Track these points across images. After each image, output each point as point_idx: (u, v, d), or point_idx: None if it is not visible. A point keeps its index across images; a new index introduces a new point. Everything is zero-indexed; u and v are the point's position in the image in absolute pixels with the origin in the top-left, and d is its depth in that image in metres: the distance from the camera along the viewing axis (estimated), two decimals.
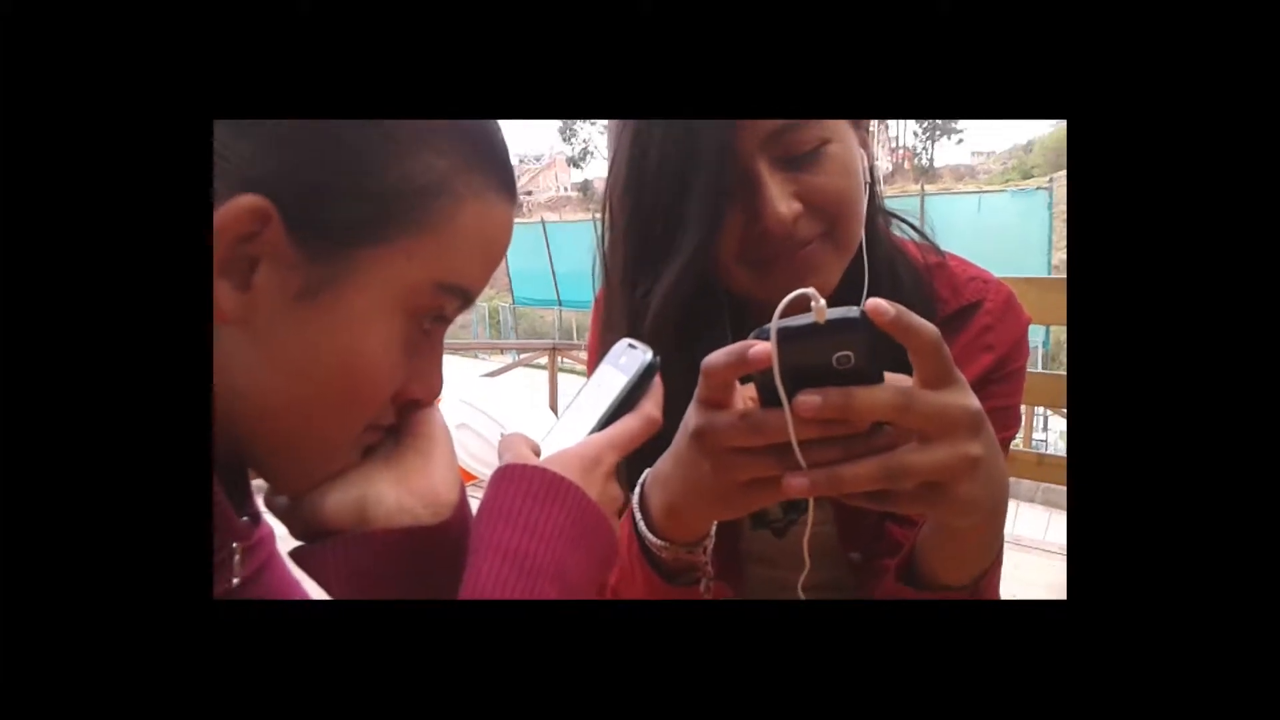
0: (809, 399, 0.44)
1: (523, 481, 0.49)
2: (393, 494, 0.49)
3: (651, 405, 0.55)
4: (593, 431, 0.54)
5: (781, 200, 0.64)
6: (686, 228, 0.65)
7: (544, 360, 6.13)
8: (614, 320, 0.74)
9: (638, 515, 0.60)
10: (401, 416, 0.52)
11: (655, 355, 0.56)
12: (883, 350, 0.44)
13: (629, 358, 0.56)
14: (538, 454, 0.54)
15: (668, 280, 0.67)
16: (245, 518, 0.51)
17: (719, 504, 0.53)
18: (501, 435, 0.55)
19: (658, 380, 0.56)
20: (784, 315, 0.44)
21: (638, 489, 0.61)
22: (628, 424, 0.54)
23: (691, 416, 0.51)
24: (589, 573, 0.49)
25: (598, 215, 0.76)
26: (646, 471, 0.60)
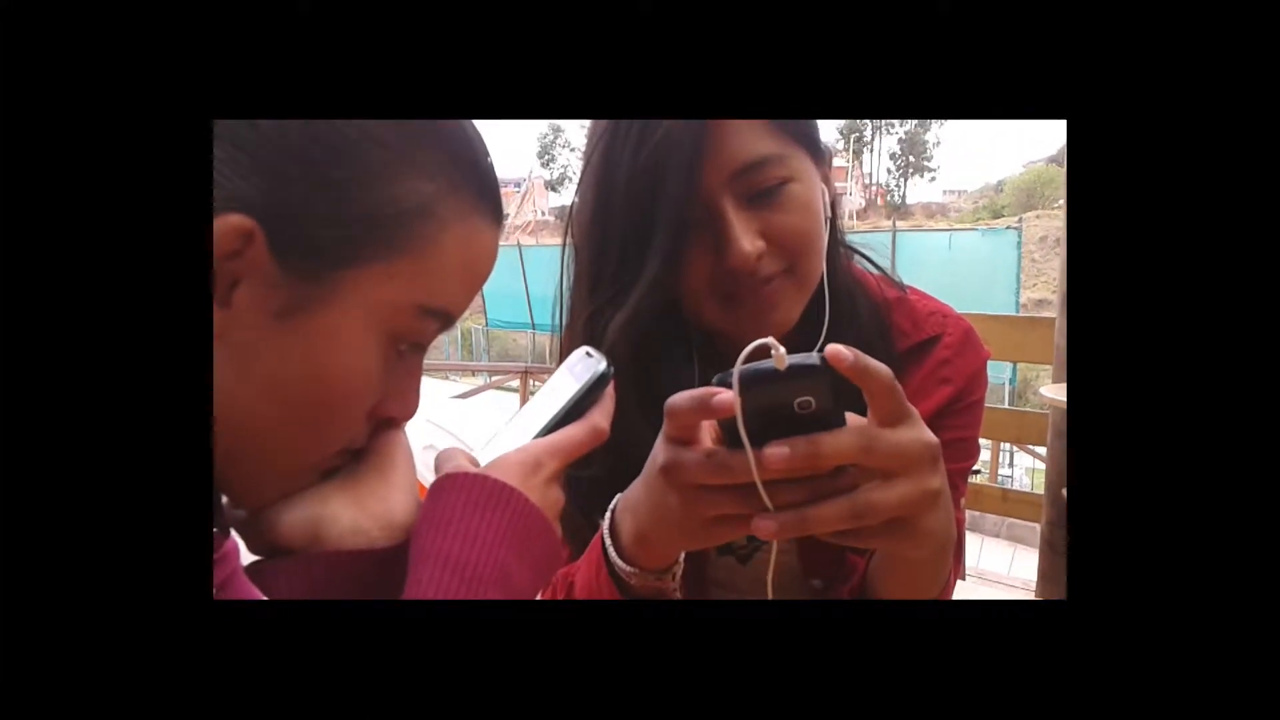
0: (777, 451, 0.45)
1: (462, 490, 0.48)
2: (348, 515, 0.49)
3: (599, 415, 0.55)
4: (537, 436, 0.54)
5: (745, 237, 0.66)
6: (647, 261, 0.66)
7: (516, 383, 6.11)
8: (571, 346, 0.74)
9: (608, 541, 0.60)
10: (373, 437, 0.51)
11: (609, 365, 0.56)
12: (841, 390, 0.45)
13: (583, 366, 0.56)
14: (476, 466, 0.53)
15: (626, 310, 0.68)
16: (215, 530, 0.51)
17: (686, 536, 0.53)
18: (435, 453, 0.54)
19: (609, 391, 0.56)
20: (746, 361, 0.44)
21: (608, 514, 0.61)
22: (572, 431, 0.54)
23: (659, 451, 0.51)
24: (532, 577, 0.49)
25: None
26: (618, 497, 0.60)
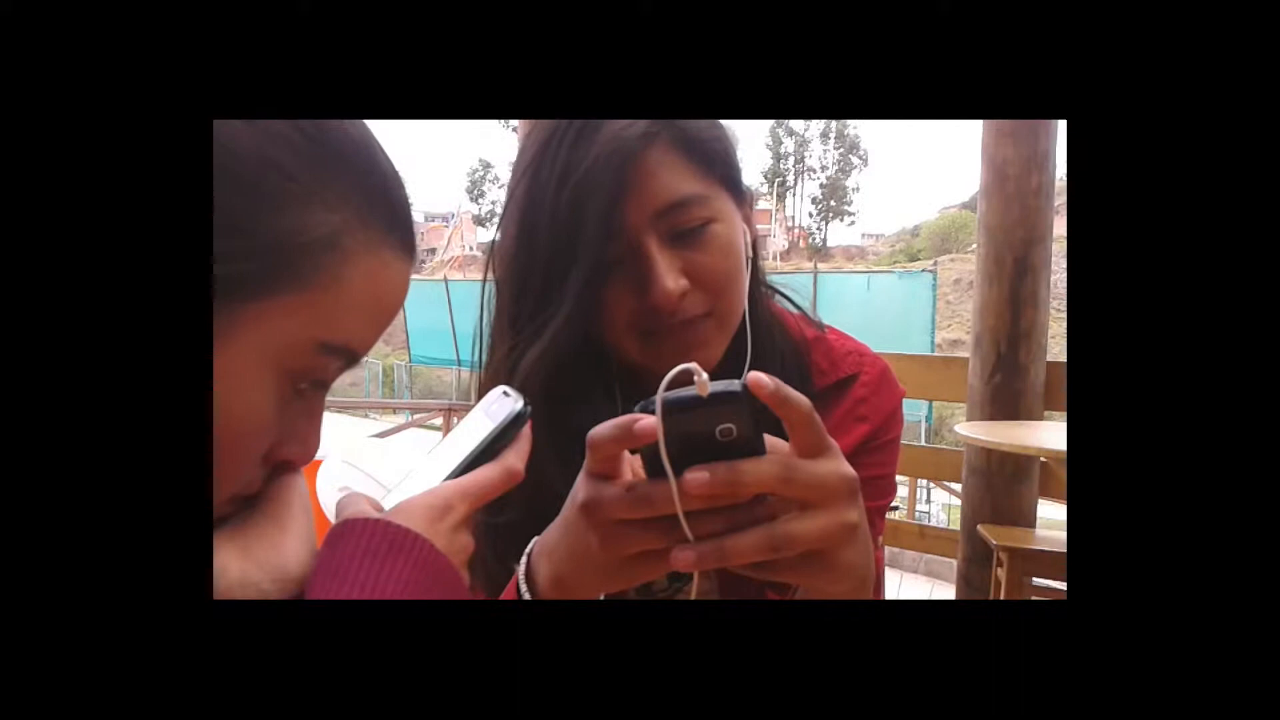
0: (698, 476, 0.44)
1: (360, 537, 0.46)
2: (236, 566, 0.45)
3: (514, 456, 0.53)
4: (449, 478, 0.51)
5: (669, 275, 0.66)
6: (564, 296, 0.67)
7: (439, 421, 6.00)
8: (490, 384, 0.73)
9: (523, 586, 0.59)
10: (269, 481, 0.48)
11: (526, 405, 0.54)
12: (762, 419, 0.45)
13: (500, 405, 0.54)
14: (380, 512, 0.51)
15: (540, 345, 0.68)
16: None
17: (606, 576, 0.52)
18: (338, 498, 0.52)
19: (526, 431, 0.54)
20: (668, 389, 0.44)
21: (524, 559, 0.59)
22: (485, 473, 0.51)
23: (580, 488, 0.50)
24: None
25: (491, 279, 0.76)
26: (534, 541, 0.58)
